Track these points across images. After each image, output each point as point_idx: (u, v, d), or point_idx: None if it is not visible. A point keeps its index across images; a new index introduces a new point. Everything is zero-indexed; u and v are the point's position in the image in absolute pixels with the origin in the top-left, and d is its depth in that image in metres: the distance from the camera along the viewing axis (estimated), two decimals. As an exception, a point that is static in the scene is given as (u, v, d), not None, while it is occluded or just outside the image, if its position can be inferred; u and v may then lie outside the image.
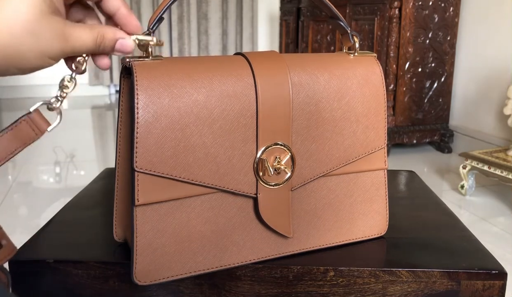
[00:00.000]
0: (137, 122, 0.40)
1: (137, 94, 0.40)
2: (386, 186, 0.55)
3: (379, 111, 0.52)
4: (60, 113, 0.44)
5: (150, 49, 0.42)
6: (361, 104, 0.51)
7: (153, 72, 0.41)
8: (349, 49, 0.53)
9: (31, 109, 0.42)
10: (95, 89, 3.66)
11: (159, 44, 0.42)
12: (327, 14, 0.52)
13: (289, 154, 0.47)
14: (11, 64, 0.36)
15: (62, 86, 0.43)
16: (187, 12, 3.48)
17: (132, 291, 0.48)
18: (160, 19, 0.43)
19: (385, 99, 0.52)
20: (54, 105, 0.43)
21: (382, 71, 0.52)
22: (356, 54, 0.52)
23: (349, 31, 0.52)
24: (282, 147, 0.47)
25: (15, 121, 0.41)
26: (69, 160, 2.07)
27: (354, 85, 0.50)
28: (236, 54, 0.48)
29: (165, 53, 3.49)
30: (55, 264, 0.48)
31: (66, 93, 0.43)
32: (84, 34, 0.39)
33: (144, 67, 0.41)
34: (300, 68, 0.47)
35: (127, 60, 0.42)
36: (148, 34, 0.42)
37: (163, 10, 0.43)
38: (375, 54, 0.53)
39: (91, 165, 2.03)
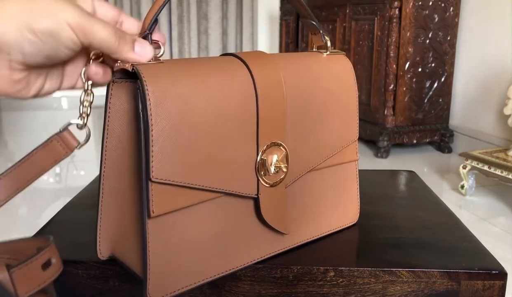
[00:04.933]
0: (152, 130, 0.38)
1: (149, 100, 0.38)
2: (357, 176, 0.58)
3: (352, 106, 0.55)
4: (88, 130, 0.44)
5: None
6: (339, 100, 0.53)
7: (161, 77, 0.40)
8: (319, 48, 0.55)
9: (61, 128, 0.42)
10: (95, 89, 3.65)
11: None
12: (300, 13, 0.54)
13: (285, 152, 0.47)
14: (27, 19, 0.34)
15: (81, 102, 0.43)
16: (187, 12, 3.47)
17: (133, 291, 0.48)
18: (156, 21, 0.42)
19: (357, 94, 0.55)
20: (81, 124, 0.43)
21: (352, 68, 0.55)
22: (328, 53, 0.54)
23: (321, 31, 0.54)
24: (279, 146, 0.47)
25: (47, 140, 0.42)
26: (69, 160, 2.07)
27: (333, 83, 0.52)
28: (226, 54, 0.47)
29: (165, 52, 3.48)
30: (55, 264, 0.48)
31: (88, 107, 0.43)
32: (104, 24, 0.38)
33: (151, 72, 0.39)
34: (286, 68, 0.48)
35: (127, 64, 0.40)
36: (146, 36, 0.41)
37: (159, 11, 0.42)
38: (344, 53, 0.55)
39: (91, 165, 2.03)
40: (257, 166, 0.46)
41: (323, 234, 0.55)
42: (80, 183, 1.73)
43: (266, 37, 3.68)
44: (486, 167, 1.55)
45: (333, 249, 0.53)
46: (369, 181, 0.74)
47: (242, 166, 0.45)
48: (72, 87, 0.44)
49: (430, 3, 2.06)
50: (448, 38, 2.13)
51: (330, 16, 2.46)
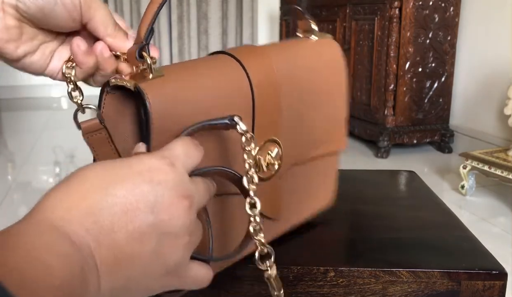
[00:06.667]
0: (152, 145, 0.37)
1: (153, 123, 0.37)
2: (337, 162, 0.59)
3: (342, 90, 0.54)
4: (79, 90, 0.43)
5: (149, 63, 0.38)
6: (330, 86, 0.53)
7: (165, 99, 0.38)
8: (305, 32, 0.53)
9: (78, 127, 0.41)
10: (94, 89, 3.65)
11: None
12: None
13: (279, 149, 0.47)
14: None
15: (70, 94, 0.42)
16: (187, 12, 3.48)
17: (132, 291, 0.48)
18: (152, 30, 0.39)
19: (346, 75, 0.54)
20: (76, 100, 0.42)
21: (341, 49, 0.54)
22: (316, 38, 0.53)
23: (307, 17, 0.53)
24: (274, 142, 0.47)
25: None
26: (69, 160, 2.07)
27: (324, 69, 0.52)
28: (217, 53, 0.46)
29: (165, 52, 3.49)
30: (54, 264, 0.48)
31: (76, 90, 0.42)
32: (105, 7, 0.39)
33: (156, 92, 0.37)
34: (278, 60, 0.47)
35: (127, 82, 0.38)
36: (143, 47, 0.38)
37: (153, 20, 0.38)
38: (331, 36, 0.54)
39: (91, 165, 2.03)
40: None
41: (305, 218, 0.55)
42: (80, 183, 1.73)
43: (266, 37, 3.68)
44: (486, 167, 1.55)
45: (333, 249, 0.53)
46: (369, 181, 0.74)
47: (240, 167, 0.45)
48: (56, 74, 0.42)
49: (430, 3, 2.06)
50: (448, 38, 2.13)
51: (330, 16, 2.46)
